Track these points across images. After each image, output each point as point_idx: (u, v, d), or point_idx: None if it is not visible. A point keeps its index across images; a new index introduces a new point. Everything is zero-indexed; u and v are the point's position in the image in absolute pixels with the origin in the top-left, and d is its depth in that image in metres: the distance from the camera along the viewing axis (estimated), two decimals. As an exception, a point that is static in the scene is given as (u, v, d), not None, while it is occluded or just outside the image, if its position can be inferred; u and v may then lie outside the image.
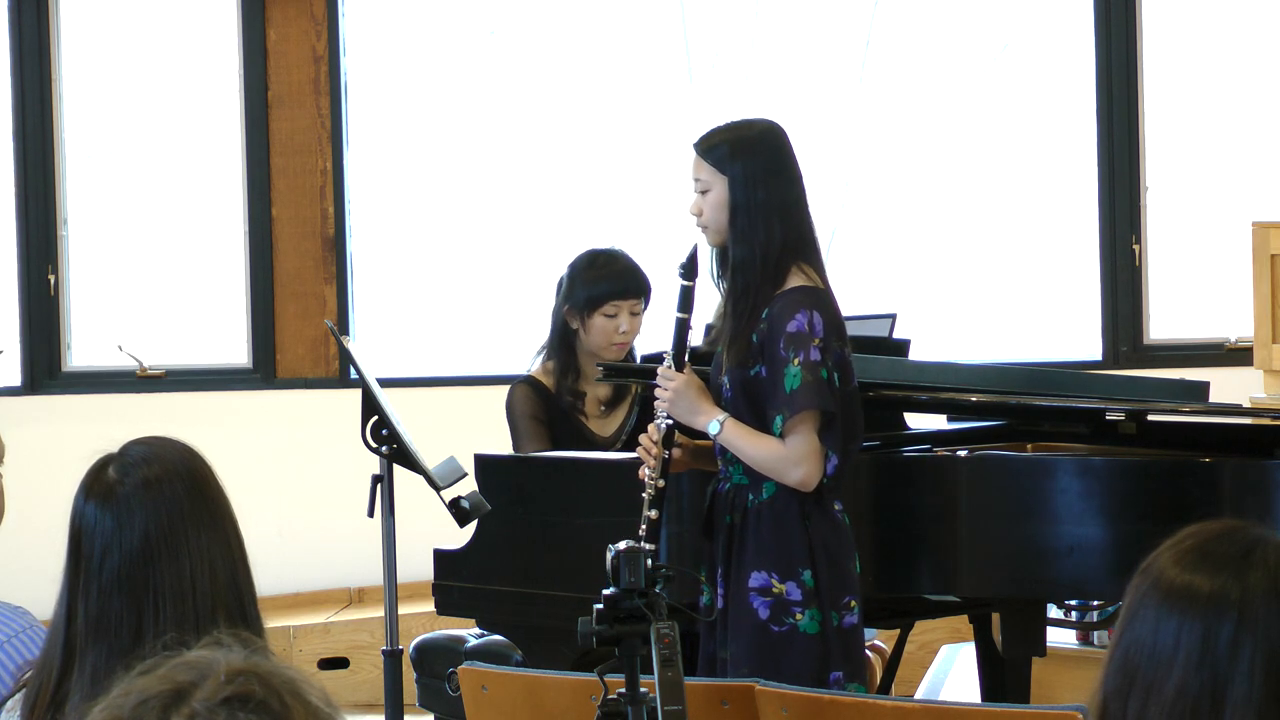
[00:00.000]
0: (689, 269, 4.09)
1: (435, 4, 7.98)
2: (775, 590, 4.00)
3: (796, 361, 3.96)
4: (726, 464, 4.12)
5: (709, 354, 4.26)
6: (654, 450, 4.10)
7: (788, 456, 3.98)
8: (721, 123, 4.19)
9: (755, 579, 4.02)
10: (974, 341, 7.70)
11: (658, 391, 4.12)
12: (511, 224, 7.98)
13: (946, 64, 7.81)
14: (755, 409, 4.04)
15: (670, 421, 4.11)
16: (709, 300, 6.09)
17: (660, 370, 4.13)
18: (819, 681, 3.95)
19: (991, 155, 7.80)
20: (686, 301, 4.10)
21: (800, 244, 4.09)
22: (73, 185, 8.02)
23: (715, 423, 4.05)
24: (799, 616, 4.00)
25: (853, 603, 4.04)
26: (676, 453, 4.14)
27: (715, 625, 4.10)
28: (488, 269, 7.98)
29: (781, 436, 3.98)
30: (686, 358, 4.12)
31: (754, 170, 4.08)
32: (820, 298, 4.05)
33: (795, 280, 4.05)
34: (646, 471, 4.10)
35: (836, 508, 4.06)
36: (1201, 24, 7.63)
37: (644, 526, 4.04)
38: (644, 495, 4.08)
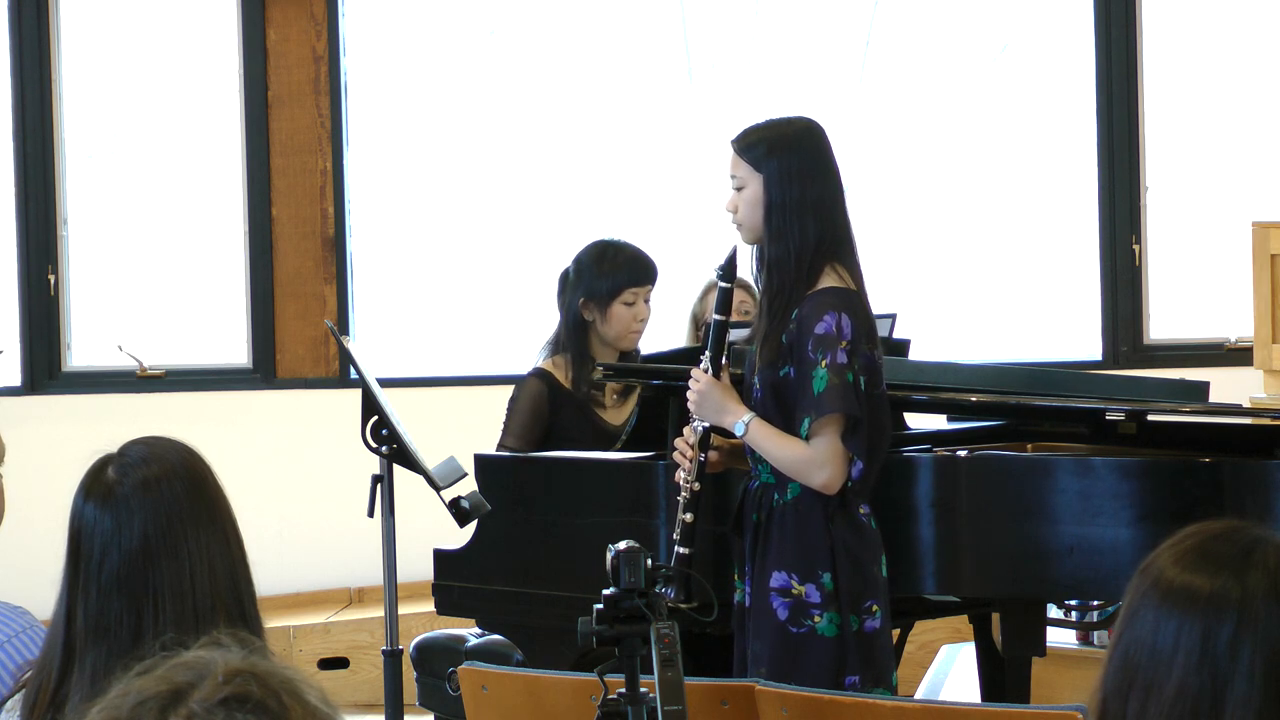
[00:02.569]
0: (728, 270, 4.08)
1: (435, 4, 7.98)
2: (795, 591, 3.99)
3: (824, 364, 3.95)
4: (756, 462, 4.10)
5: (740, 352, 4.24)
6: (690, 453, 4.10)
7: (812, 459, 3.97)
8: (759, 120, 4.18)
9: (776, 579, 4.01)
10: (974, 341, 7.70)
11: (688, 393, 4.12)
12: (511, 224, 7.98)
13: (946, 64, 7.81)
14: (784, 410, 4.02)
15: (706, 425, 4.10)
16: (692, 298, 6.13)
17: (694, 371, 4.12)
18: (835, 685, 3.92)
19: (991, 155, 7.80)
20: (725, 303, 4.09)
21: (835, 244, 4.07)
22: (73, 185, 8.03)
23: (741, 423, 4.04)
24: (817, 619, 3.98)
25: (875, 607, 4.02)
26: (713, 455, 4.14)
27: (745, 622, 4.09)
28: (488, 269, 7.98)
29: (807, 439, 3.98)
30: (724, 359, 4.12)
31: (790, 168, 4.06)
32: (851, 300, 4.03)
33: (828, 281, 4.03)
34: (682, 475, 4.10)
35: (862, 511, 4.05)
36: (1201, 24, 7.63)
37: (679, 530, 4.04)
38: (679, 498, 4.08)
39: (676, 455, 4.14)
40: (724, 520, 4.24)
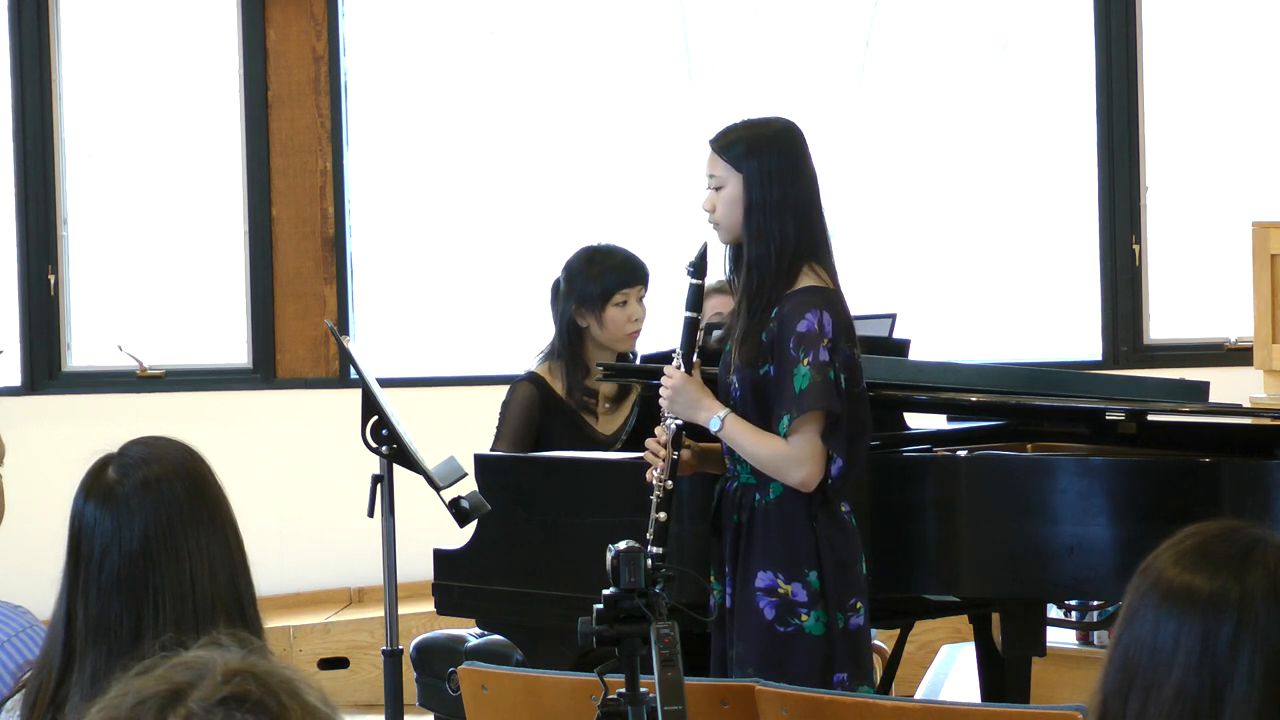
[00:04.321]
0: (698, 267, 4.08)
1: (435, 4, 7.98)
2: (781, 590, 4.00)
3: (806, 362, 3.96)
4: (735, 462, 4.11)
5: (716, 352, 4.25)
6: (662, 453, 4.10)
7: (790, 456, 3.98)
8: (737, 120, 4.18)
9: (762, 579, 4.02)
10: (974, 341, 7.70)
11: (660, 390, 4.12)
12: (511, 223, 7.98)
13: (946, 64, 7.81)
14: (763, 408, 4.03)
15: (679, 423, 4.10)
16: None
17: (666, 369, 4.13)
18: (823, 683, 3.94)
19: (991, 155, 7.80)
20: (695, 300, 4.10)
21: (813, 244, 4.08)
22: (73, 185, 8.02)
23: (716, 419, 4.04)
24: (804, 617, 3.99)
25: (859, 604, 4.04)
26: (684, 454, 4.13)
27: (724, 623, 4.09)
28: (488, 269, 7.98)
29: (787, 436, 3.98)
30: (696, 356, 4.12)
31: (770, 168, 4.07)
32: (831, 298, 4.04)
33: (806, 280, 4.05)
34: (655, 474, 4.09)
35: (844, 509, 4.06)
36: (1201, 24, 7.63)
37: (652, 529, 4.03)
38: (652, 498, 4.07)
39: (648, 455, 4.14)
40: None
